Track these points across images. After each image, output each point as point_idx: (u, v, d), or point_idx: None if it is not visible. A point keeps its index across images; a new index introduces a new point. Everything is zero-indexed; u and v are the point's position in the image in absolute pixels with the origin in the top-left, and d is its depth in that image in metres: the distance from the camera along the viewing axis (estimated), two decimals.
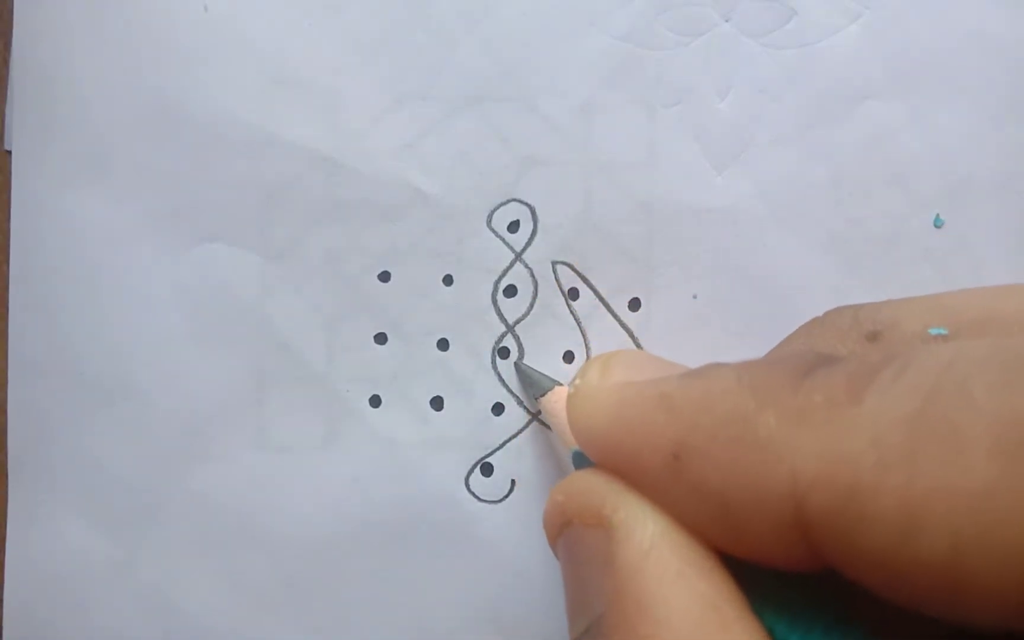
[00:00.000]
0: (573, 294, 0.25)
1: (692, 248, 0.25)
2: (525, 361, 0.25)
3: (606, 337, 0.25)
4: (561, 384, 0.23)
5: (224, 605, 0.25)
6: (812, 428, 0.12)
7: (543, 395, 0.23)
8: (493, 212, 0.25)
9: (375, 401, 0.25)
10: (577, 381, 0.16)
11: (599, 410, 0.15)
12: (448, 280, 0.25)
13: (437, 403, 0.25)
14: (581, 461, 0.18)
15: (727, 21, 0.25)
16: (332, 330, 0.25)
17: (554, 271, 0.25)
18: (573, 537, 0.15)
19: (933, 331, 0.16)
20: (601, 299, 0.25)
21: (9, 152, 0.25)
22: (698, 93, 0.25)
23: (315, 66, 0.25)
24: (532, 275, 0.25)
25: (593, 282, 0.25)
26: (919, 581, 0.11)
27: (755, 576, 0.14)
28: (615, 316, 0.25)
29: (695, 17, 0.25)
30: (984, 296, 0.16)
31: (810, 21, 0.25)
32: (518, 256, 0.25)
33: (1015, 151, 0.25)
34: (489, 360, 0.25)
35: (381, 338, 0.25)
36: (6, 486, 0.25)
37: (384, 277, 0.25)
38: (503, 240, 0.25)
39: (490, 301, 0.25)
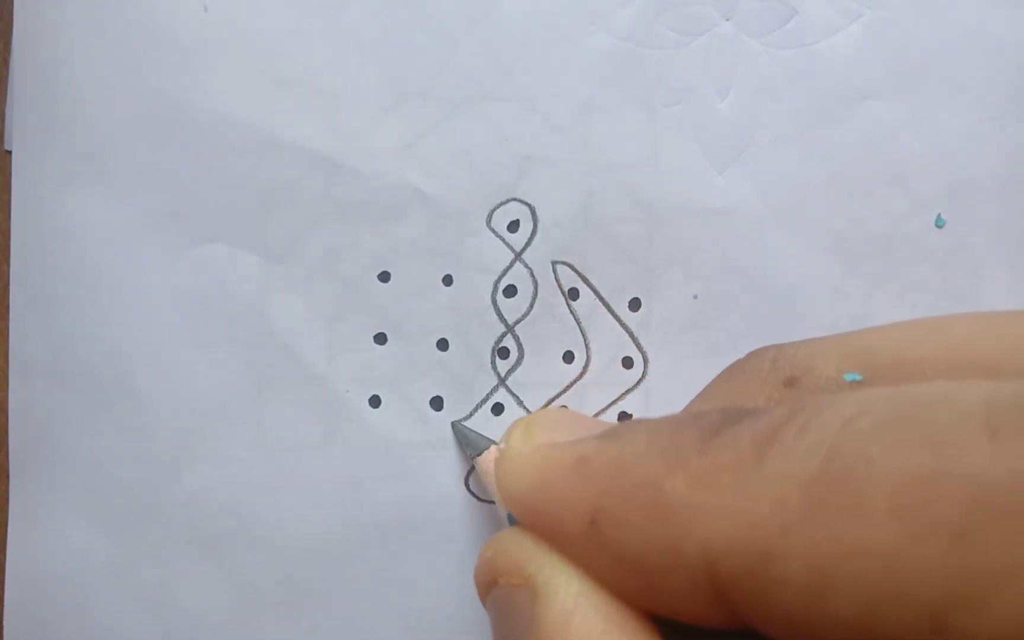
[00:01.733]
0: (573, 294, 0.25)
1: (692, 248, 0.25)
2: (460, 421, 0.25)
3: (606, 337, 0.25)
4: (495, 443, 0.23)
5: (224, 604, 0.25)
6: (719, 491, 0.12)
7: (478, 454, 0.23)
8: (493, 212, 0.25)
9: (375, 401, 0.25)
10: (502, 444, 0.17)
11: (521, 474, 0.15)
12: (448, 280, 0.25)
13: (437, 403, 0.25)
14: (515, 520, 0.19)
15: (727, 21, 0.25)
16: (332, 330, 0.25)
17: (554, 271, 0.25)
18: (500, 596, 0.15)
19: (848, 377, 0.16)
20: (601, 299, 0.25)
21: (9, 152, 0.25)
22: (698, 93, 0.25)
23: (315, 66, 0.25)
24: (532, 275, 0.25)
25: (593, 282, 0.25)
26: (833, 639, 0.11)
27: (688, 632, 0.14)
28: (615, 316, 0.25)
29: (695, 17, 0.25)
30: (901, 335, 0.16)
31: (810, 21, 0.25)
32: (518, 256, 0.25)
33: (1015, 151, 0.25)
34: (489, 360, 0.25)
35: (381, 338, 0.25)
36: (7, 486, 0.25)
37: (384, 277, 0.25)
38: (503, 240, 0.25)
39: (490, 301, 0.25)
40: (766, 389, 0.17)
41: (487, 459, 0.23)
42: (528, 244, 0.25)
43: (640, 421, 0.15)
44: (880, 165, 0.25)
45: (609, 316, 0.25)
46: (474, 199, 0.25)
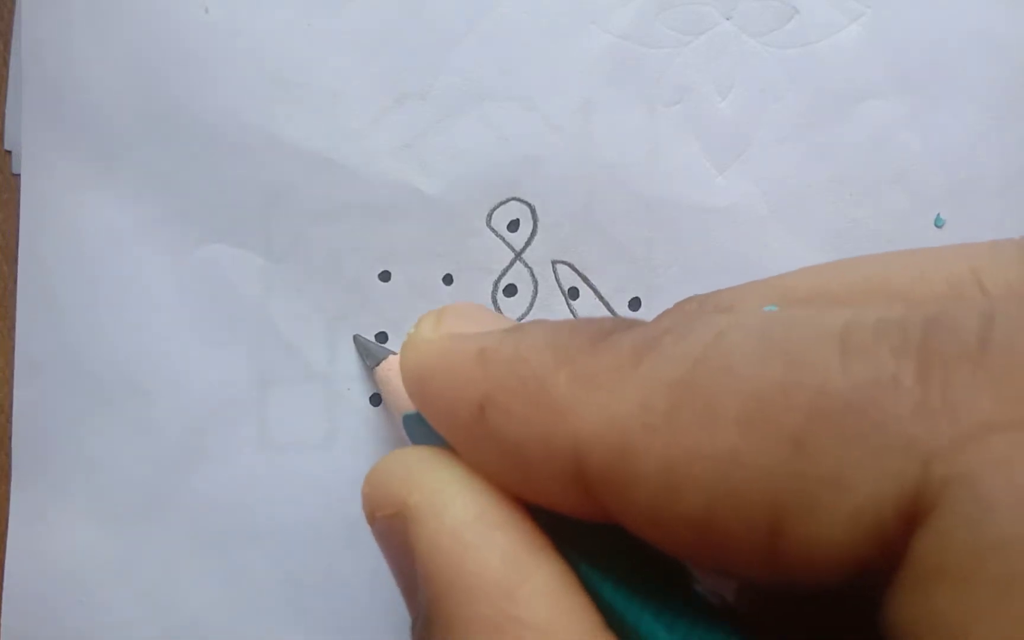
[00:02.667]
0: (573, 293, 0.25)
1: (693, 247, 0.25)
2: (359, 333, 0.25)
3: None
4: (395, 353, 0.23)
5: (225, 603, 0.25)
6: (595, 389, 0.13)
7: (377, 364, 0.23)
8: (493, 211, 0.25)
9: (376, 400, 0.25)
10: (411, 330, 0.17)
11: (424, 358, 0.16)
12: (448, 279, 0.25)
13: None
14: (411, 429, 0.19)
15: (728, 20, 0.25)
16: (334, 329, 0.25)
17: (554, 270, 0.25)
18: (379, 529, 0.16)
19: (766, 309, 0.16)
20: (601, 298, 0.25)
21: (9, 152, 0.25)
22: (699, 92, 0.25)
23: (315, 66, 0.25)
24: (532, 274, 0.25)
25: (593, 281, 0.25)
26: (683, 535, 0.12)
27: (569, 527, 0.14)
28: (615, 316, 0.25)
29: (696, 16, 0.25)
30: (821, 273, 0.17)
31: (811, 20, 0.25)
32: (518, 255, 0.25)
33: (1016, 151, 0.25)
34: None
35: (382, 337, 0.25)
36: (8, 485, 0.25)
37: (384, 277, 0.25)
38: (503, 239, 0.25)
39: (490, 300, 0.25)
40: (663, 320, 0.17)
41: (386, 368, 0.23)
42: (528, 244, 0.25)
43: (544, 321, 0.15)
44: (881, 165, 0.25)
45: (609, 316, 0.25)
46: (474, 199, 0.25)
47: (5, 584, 0.25)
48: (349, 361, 0.25)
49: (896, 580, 0.10)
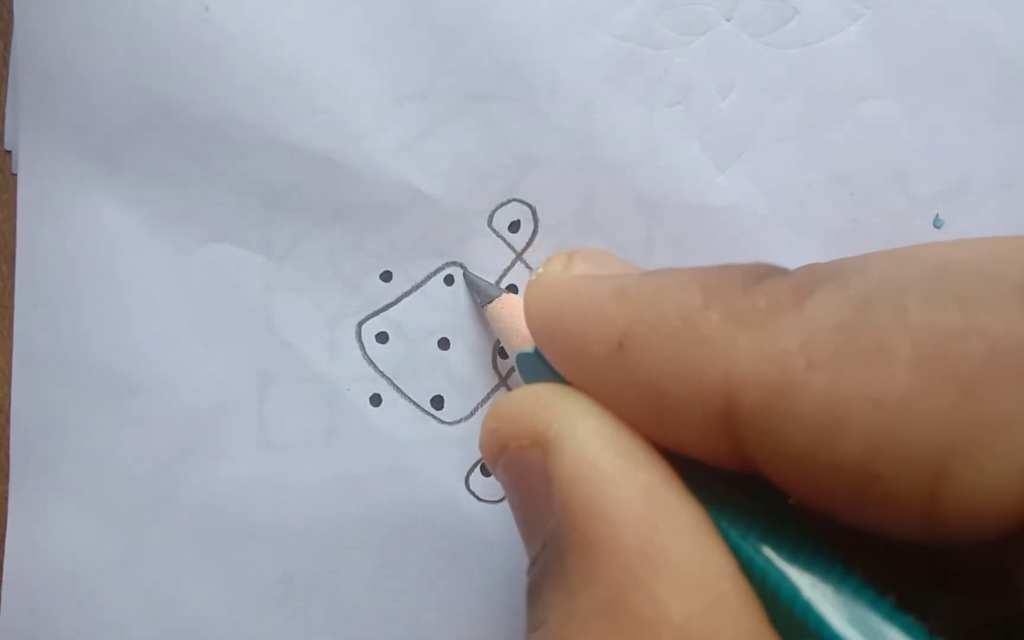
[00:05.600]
0: None
1: (694, 247, 0.25)
2: (470, 271, 0.25)
3: None
4: (507, 292, 0.23)
5: (224, 602, 0.25)
6: (751, 329, 0.12)
7: (490, 302, 0.23)
8: (494, 212, 0.25)
9: (376, 400, 0.25)
10: (540, 269, 0.17)
11: (555, 297, 0.15)
12: (449, 280, 0.25)
13: (437, 402, 0.25)
14: (527, 366, 0.18)
15: (728, 20, 0.25)
16: (333, 330, 0.25)
17: None
18: (512, 461, 0.15)
19: None
20: None
21: (9, 152, 0.25)
22: (699, 92, 0.25)
23: (316, 67, 0.25)
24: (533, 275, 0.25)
25: None
26: (834, 484, 0.12)
27: (698, 470, 0.14)
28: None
29: (696, 16, 0.25)
30: (943, 246, 0.17)
31: (811, 21, 0.25)
32: (519, 256, 0.25)
33: (1015, 151, 0.25)
34: (490, 360, 0.25)
35: (382, 337, 0.25)
36: (7, 485, 0.25)
37: (385, 277, 0.25)
38: (504, 240, 0.25)
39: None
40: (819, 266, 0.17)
41: (500, 305, 0.23)
42: (529, 244, 0.25)
43: (684, 268, 0.14)
44: (881, 164, 0.25)
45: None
46: (475, 199, 0.25)
47: (4, 583, 0.25)
48: (350, 361, 0.25)
49: None
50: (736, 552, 0.13)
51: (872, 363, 0.11)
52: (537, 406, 0.15)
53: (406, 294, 0.25)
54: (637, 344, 0.13)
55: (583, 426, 0.14)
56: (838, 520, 0.12)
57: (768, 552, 0.13)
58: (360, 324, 0.25)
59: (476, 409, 0.25)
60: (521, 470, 0.15)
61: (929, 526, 0.11)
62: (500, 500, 0.25)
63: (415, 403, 0.25)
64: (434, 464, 0.25)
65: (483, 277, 0.24)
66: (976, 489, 0.11)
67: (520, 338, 0.18)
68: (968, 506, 0.11)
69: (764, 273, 0.13)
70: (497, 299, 0.23)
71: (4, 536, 0.25)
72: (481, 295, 0.24)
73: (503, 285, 0.25)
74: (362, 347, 0.25)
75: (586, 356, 0.14)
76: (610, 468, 0.14)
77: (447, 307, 0.25)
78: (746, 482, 0.13)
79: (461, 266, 0.24)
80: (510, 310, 0.22)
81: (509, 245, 0.25)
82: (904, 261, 0.13)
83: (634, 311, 0.14)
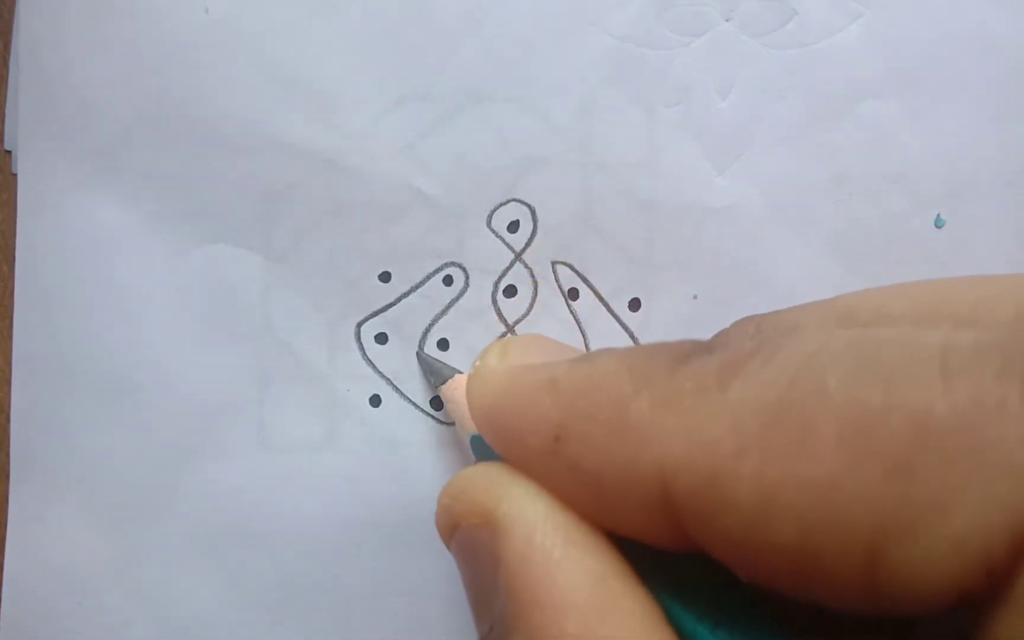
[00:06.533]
0: (573, 294, 0.25)
1: (692, 248, 0.25)
2: (423, 350, 0.25)
3: (606, 337, 0.25)
4: (460, 372, 0.23)
5: (224, 604, 0.25)
6: (680, 413, 0.13)
7: (443, 383, 0.23)
8: (493, 212, 0.25)
9: (375, 401, 0.25)
10: (477, 363, 0.17)
11: (493, 390, 0.15)
12: (448, 280, 0.25)
13: (437, 403, 0.25)
14: (479, 447, 0.18)
15: (728, 21, 0.25)
16: (333, 330, 0.25)
17: (554, 271, 0.25)
18: (463, 539, 0.16)
19: None
20: (601, 299, 0.25)
21: (9, 152, 0.25)
22: (699, 93, 0.25)
23: (316, 67, 0.25)
24: (532, 275, 0.25)
25: (593, 282, 0.25)
26: (774, 563, 0.12)
27: (646, 553, 0.14)
28: (615, 316, 0.25)
29: (696, 17, 0.25)
30: (881, 294, 0.17)
31: (811, 21, 0.25)
32: (518, 256, 0.25)
33: (1015, 151, 0.25)
34: None
35: (382, 338, 0.25)
36: (7, 486, 0.25)
37: (384, 277, 0.25)
38: (503, 240, 0.25)
39: (490, 301, 0.25)
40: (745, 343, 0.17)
41: (452, 387, 0.23)
42: (528, 244, 0.25)
43: (614, 348, 0.15)
44: (880, 165, 0.25)
45: (609, 316, 0.25)
46: (474, 199, 0.25)
47: (4, 583, 0.25)
48: (349, 361, 0.25)
49: (1001, 604, 0.10)
50: (688, 637, 0.13)
51: (798, 445, 0.11)
52: (489, 485, 0.15)
53: (405, 295, 0.25)
54: (572, 436, 0.14)
55: (532, 508, 0.14)
56: (786, 595, 0.12)
57: (721, 637, 0.13)
58: (359, 325, 0.25)
59: None
60: (472, 549, 0.15)
61: (872, 601, 0.11)
62: None
63: (415, 404, 0.25)
64: (434, 465, 0.25)
65: (438, 359, 0.25)
66: (911, 568, 0.11)
67: (471, 420, 0.19)
68: (905, 583, 0.11)
69: (690, 352, 0.13)
70: (450, 380, 0.23)
71: (4, 537, 0.25)
72: (435, 376, 0.24)
73: (502, 286, 0.25)
74: (361, 348, 0.25)
75: (525, 449, 0.15)
76: (557, 553, 0.14)
77: (446, 308, 0.25)
78: (697, 560, 0.13)
79: (461, 267, 0.24)
80: (463, 391, 0.22)
81: (508, 245, 0.25)
82: (827, 329, 0.13)
83: (566, 403, 0.14)
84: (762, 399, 0.12)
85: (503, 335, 0.25)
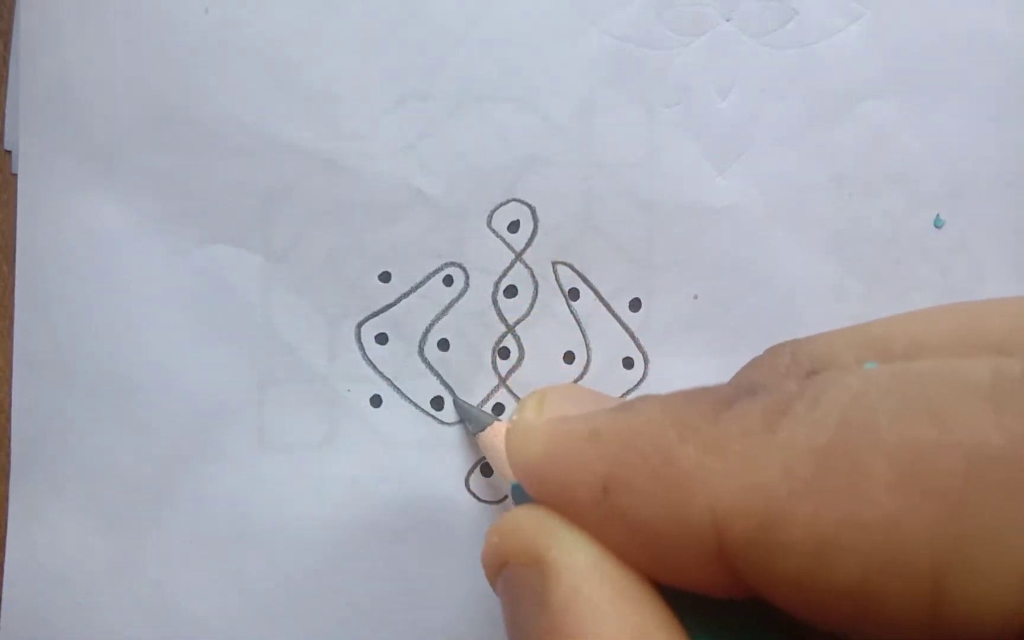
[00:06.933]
0: (573, 294, 0.25)
1: (693, 248, 0.25)
2: (460, 397, 0.25)
3: (606, 337, 0.25)
4: (499, 420, 0.23)
5: (224, 605, 0.25)
6: (728, 458, 0.12)
7: (481, 430, 0.23)
8: (493, 212, 0.25)
9: (376, 401, 0.25)
10: (514, 417, 0.17)
11: (534, 445, 0.15)
12: (448, 280, 0.25)
13: (437, 403, 0.25)
14: (520, 494, 0.19)
15: (728, 21, 0.25)
16: (333, 330, 0.25)
17: (554, 271, 0.25)
18: (510, 577, 0.16)
19: (867, 366, 0.16)
20: (601, 299, 0.25)
21: (9, 152, 0.25)
22: (699, 93, 0.25)
23: (315, 67, 0.25)
24: (532, 275, 0.25)
25: (593, 282, 0.25)
26: (834, 605, 0.12)
27: (694, 603, 0.14)
28: (615, 316, 0.25)
29: (696, 16, 0.25)
30: (915, 321, 0.16)
31: (811, 21, 0.25)
32: (518, 256, 0.25)
33: (1015, 151, 0.25)
34: (489, 360, 0.25)
35: (382, 338, 0.25)
36: (7, 486, 0.25)
37: (384, 277, 0.25)
38: (503, 240, 0.25)
39: (490, 301, 0.25)
40: (788, 383, 0.17)
41: (491, 435, 0.23)
42: (528, 244, 0.25)
43: (654, 395, 0.15)
44: (880, 165, 0.25)
45: (609, 316, 0.25)
46: (474, 199, 0.25)
47: (4, 584, 0.25)
48: (349, 362, 0.25)
49: None
50: None
51: (853, 486, 0.11)
52: (539, 527, 0.15)
53: (405, 295, 0.25)
54: (620, 487, 0.14)
55: (581, 556, 0.14)
56: (845, 636, 0.12)
57: None
58: (359, 325, 0.25)
59: (477, 408, 0.25)
60: (518, 589, 0.15)
61: (935, 637, 0.11)
62: (500, 501, 0.25)
63: (415, 404, 0.25)
64: (434, 465, 0.25)
65: (471, 403, 0.25)
66: (974, 603, 0.11)
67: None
68: (968, 619, 0.11)
69: (732, 396, 0.13)
70: (489, 428, 0.23)
71: (4, 536, 0.25)
72: (473, 423, 0.24)
73: (503, 286, 0.25)
74: (362, 348, 0.25)
75: (573, 502, 0.15)
76: (603, 604, 0.14)
77: (447, 308, 0.25)
78: (751, 608, 0.13)
79: (461, 267, 0.24)
80: (502, 438, 0.22)
81: (509, 245, 0.25)
82: (866, 361, 0.13)
83: (612, 454, 0.14)
84: (813, 441, 0.12)
85: (503, 335, 0.25)
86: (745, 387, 0.14)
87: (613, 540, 0.14)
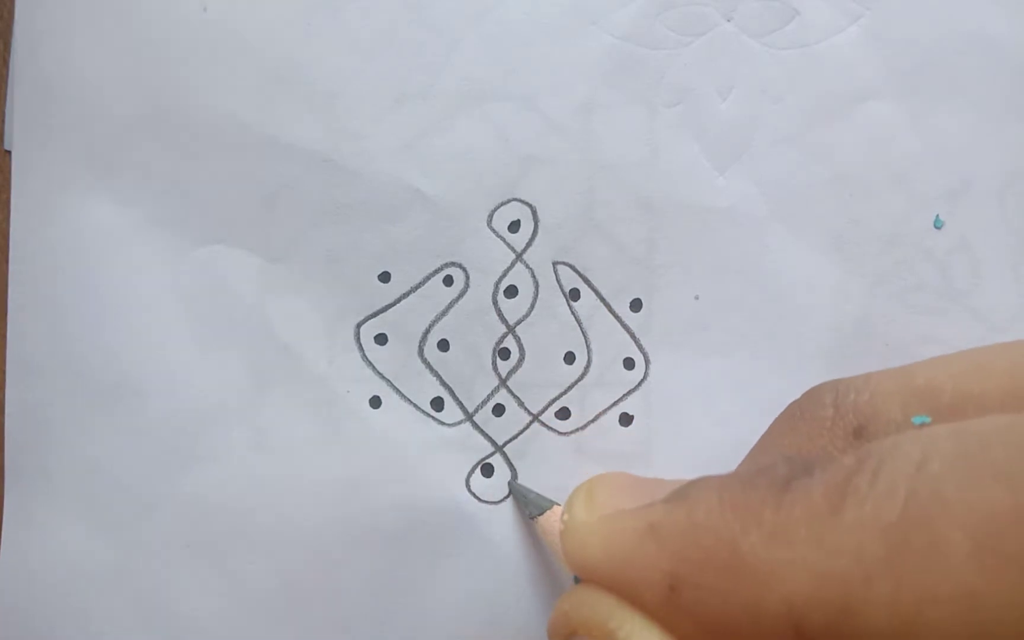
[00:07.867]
0: (574, 295, 0.25)
1: (693, 248, 0.25)
2: (519, 480, 0.25)
3: (607, 338, 0.25)
4: (557, 504, 0.23)
5: (222, 607, 0.25)
6: (796, 545, 0.12)
7: (540, 515, 0.23)
8: (494, 212, 0.25)
9: (375, 402, 0.25)
10: (565, 516, 0.17)
11: (590, 547, 0.15)
12: (448, 281, 0.25)
13: (437, 404, 0.25)
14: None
15: (728, 21, 0.25)
16: (333, 330, 0.25)
17: (555, 271, 0.25)
18: None
19: (916, 420, 0.16)
20: (602, 300, 0.25)
21: (9, 152, 0.25)
22: (699, 93, 0.25)
23: (315, 67, 0.24)
24: (533, 275, 0.25)
25: (594, 283, 0.25)
26: None
27: None
28: (616, 317, 0.25)
29: (696, 17, 0.25)
30: (960, 369, 0.16)
31: (811, 21, 0.25)
32: (519, 256, 0.25)
33: (1015, 151, 0.25)
34: (489, 361, 0.25)
35: (381, 339, 0.25)
36: (2, 486, 0.25)
37: (384, 277, 0.25)
38: (504, 240, 0.25)
39: (491, 301, 0.25)
40: (835, 441, 0.17)
41: (550, 518, 0.23)
42: (529, 245, 0.25)
43: (707, 480, 0.14)
44: (880, 165, 0.25)
45: (610, 317, 0.25)
46: (474, 199, 0.25)
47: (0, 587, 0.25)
48: (349, 362, 0.25)
49: None
50: None
51: (929, 562, 0.11)
52: (611, 605, 0.15)
53: (405, 295, 0.25)
54: (687, 584, 0.14)
55: (653, 638, 0.14)
56: None
57: None
58: (359, 325, 0.25)
59: (476, 410, 0.25)
60: None
61: None
62: (500, 501, 0.25)
63: (415, 405, 0.25)
64: (434, 466, 0.25)
65: (531, 488, 0.24)
66: None
67: None
68: None
69: (787, 476, 0.13)
70: (548, 512, 0.23)
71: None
72: (531, 507, 0.24)
73: (503, 286, 0.25)
74: (361, 349, 0.25)
75: (639, 600, 0.14)
76: None
77: (447, 308, 0.25)
78: None
79: (461, 267, 0.24)
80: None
81: (509, 245, 0.25)
82: (928, 436, 0.12)
83: (674, 551, 0.14)
84: (881, 519, 0.12)
85: (504, 336, 0.25)
86: (799, 465, 0.13)
87: (683, 633, 0.14)
